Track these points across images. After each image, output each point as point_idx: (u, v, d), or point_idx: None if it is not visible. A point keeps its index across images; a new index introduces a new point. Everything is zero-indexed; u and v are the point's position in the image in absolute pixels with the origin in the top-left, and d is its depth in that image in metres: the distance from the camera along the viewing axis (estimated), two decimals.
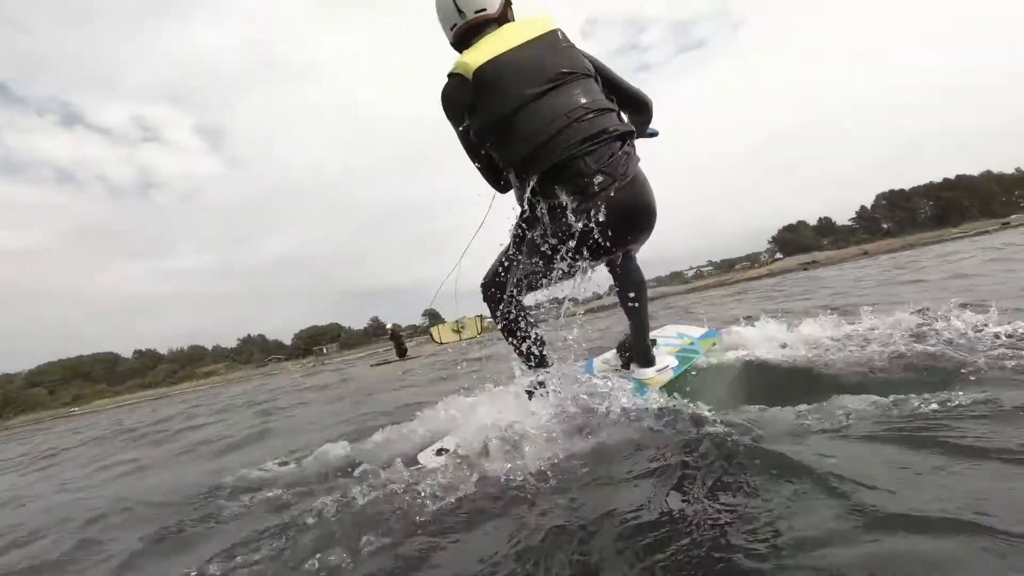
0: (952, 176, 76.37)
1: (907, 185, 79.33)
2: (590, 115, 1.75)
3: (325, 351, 78.84)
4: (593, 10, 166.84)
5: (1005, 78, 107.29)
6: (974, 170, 76.43)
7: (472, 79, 1.78)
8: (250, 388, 17.57)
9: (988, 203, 69.18)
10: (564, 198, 1.73)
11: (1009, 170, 74.25)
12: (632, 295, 2.16)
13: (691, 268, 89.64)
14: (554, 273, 1.90)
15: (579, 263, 1.83)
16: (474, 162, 1.99)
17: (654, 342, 2.41)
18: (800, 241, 78.33)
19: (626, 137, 1.81)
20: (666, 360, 2.37)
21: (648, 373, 2.27)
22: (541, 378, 1.97)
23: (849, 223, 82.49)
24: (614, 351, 2.57)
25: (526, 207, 1.85)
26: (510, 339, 2.13)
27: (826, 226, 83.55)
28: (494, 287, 2.12)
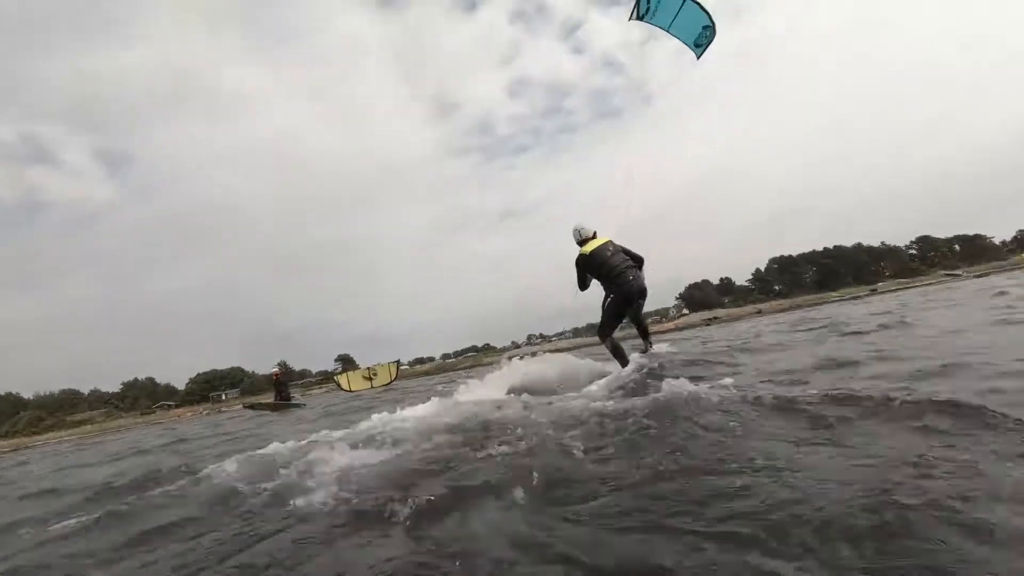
0: (831, 246, 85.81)
1: (795, 251, 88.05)
2: (627, 262, 5.96)
3: (224, 397, 72.98)
4: (521, 72, 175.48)
5: (873, 158, 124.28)
6: (848, 242, 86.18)
7: (589, 255, 6.02)
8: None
9: (860, 271, 78.19)
10: (620, 291, 5.88)
11: (876, 243, 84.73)
12: (644, 327, 6.54)
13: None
14: (620, 320, 6.07)
15: (626, 313, 6.08)
16: (582, 281, 6.16)
17: (643, 350, 6.39)
18: (704, 298, 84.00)
19: (637, 266, 6.04)
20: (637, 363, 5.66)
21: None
22: (626, 369, 5.38)
23: (746, 283, 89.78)
24: (637, 353, 6.18)
25: (609, 296, 5.98)
26: (615, 353, 5.82)
27: (727, 285, 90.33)
28: (608, 330, 5.98)
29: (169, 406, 71.15)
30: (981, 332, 5.49)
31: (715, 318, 34.12)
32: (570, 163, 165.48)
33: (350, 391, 17.45)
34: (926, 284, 38.10)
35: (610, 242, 6.08)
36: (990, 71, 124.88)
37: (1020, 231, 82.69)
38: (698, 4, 7.87)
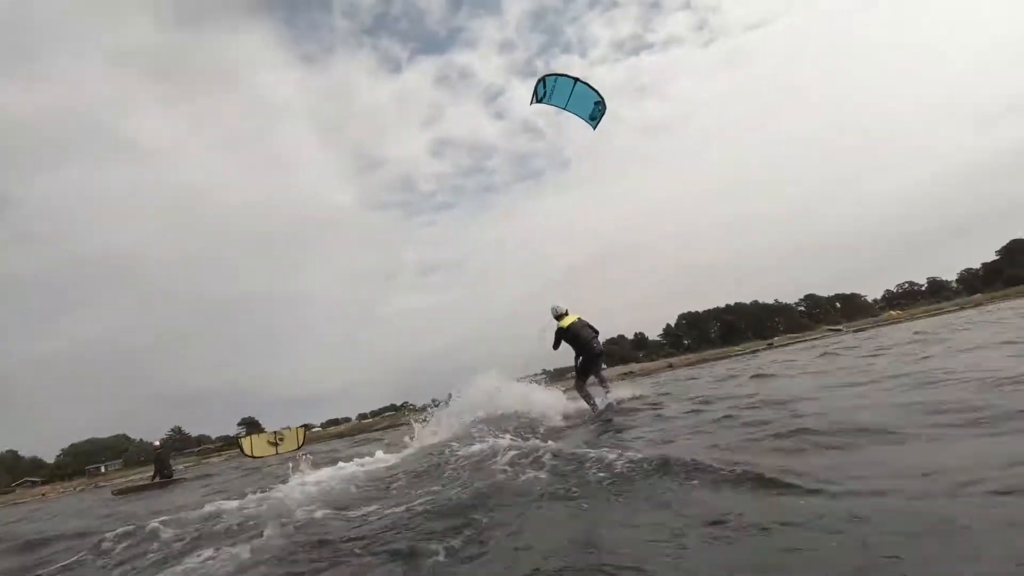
0: (732, 303, 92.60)
1: (701, 308, 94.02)
2: (593, 334, 8.51)
3: (104, 470, 64.88)
4: (443, 133, 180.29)
5: (768, 223, 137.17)
6: (747, 299, 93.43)
7: (566, 328, 8.41)
8: None
9: (758, 326, 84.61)
10: (588, 355, 8.36)
11: (771, 300, 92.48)
12: (602, 377, 8.60)
13: (525, 377, 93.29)
14: (588, 375, 8.45)
15: (592, 370, 8.42)
16: (556, 345, 8.50)
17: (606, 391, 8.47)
18: (621, 353, 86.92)
19: (597, 335, 8.58)
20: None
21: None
22: (595, 412, 7.86)
23: (658, 338, 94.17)
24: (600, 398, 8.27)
25: (579, 357, 8.42)
26: (586, 399, 8.32)
27: (641, 340, 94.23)
28: (581, 381, 8.47)
29: (33, 482, 62.08)
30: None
31: (630, 372, 35.30)
32: (492, 221, 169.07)
33: (253, 457, 16.39)
34: (813, 339, 41.81)
35: (579, 318, 8.60)
36: (876, 144, 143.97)
37: (887, 291, 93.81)
38: (587, 85, 9.04)
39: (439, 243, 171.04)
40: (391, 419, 64.36)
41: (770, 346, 47.21)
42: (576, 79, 9.22)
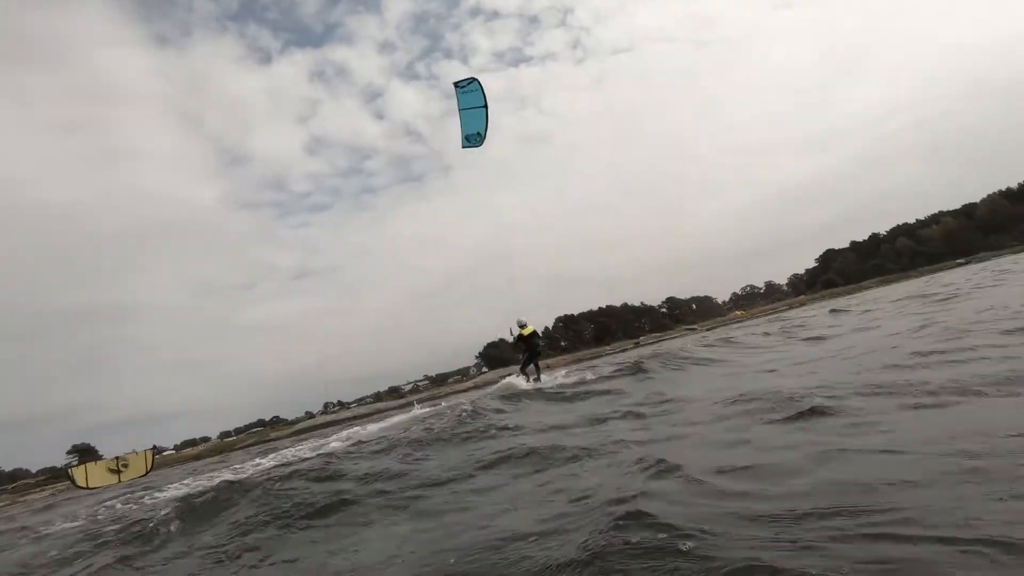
0: (604, 306, 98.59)
1: (576, 311, 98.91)
2: (540, 339, 14.68)
3: None
4: (319, 131, 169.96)
5: (636, 231, 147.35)
6: (617, 302, 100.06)
7: (527, 337, 14.13)
8: None
9: (627, 327, 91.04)
10: (533, 352, 14.22)
11: (638, 303, 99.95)
12: (537, 367, 14.40)
13: (408, 383, 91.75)
14: (528, 366, 14.20)
15: (532, 363, 14.24)
16: (516, 345, 14.52)
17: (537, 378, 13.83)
18: (501, 356, 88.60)
19: (541, 340, 14.90)
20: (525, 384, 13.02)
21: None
22: (528, 385, 12.58)
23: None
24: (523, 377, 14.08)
25: (527, 354, 14.17)
26: (527, 375, 14.05)
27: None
28: (523, 369, 14.27)
29: None
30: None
31: (508, 374, 36.25)
32: (370, 224, 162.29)
33: (88, 488, 14.23)
34: (673, 337, 45.94)
35: (535, 331, 14.20)
36: (711, 168, 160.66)
37: (734, 293, 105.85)
38: (486, 116, 11.06)
39: (313, 247, 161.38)
40: (259, 435, 59.44)
41: (637, 344, 51.04)
42: (485, 105, 11.04)
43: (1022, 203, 72.15)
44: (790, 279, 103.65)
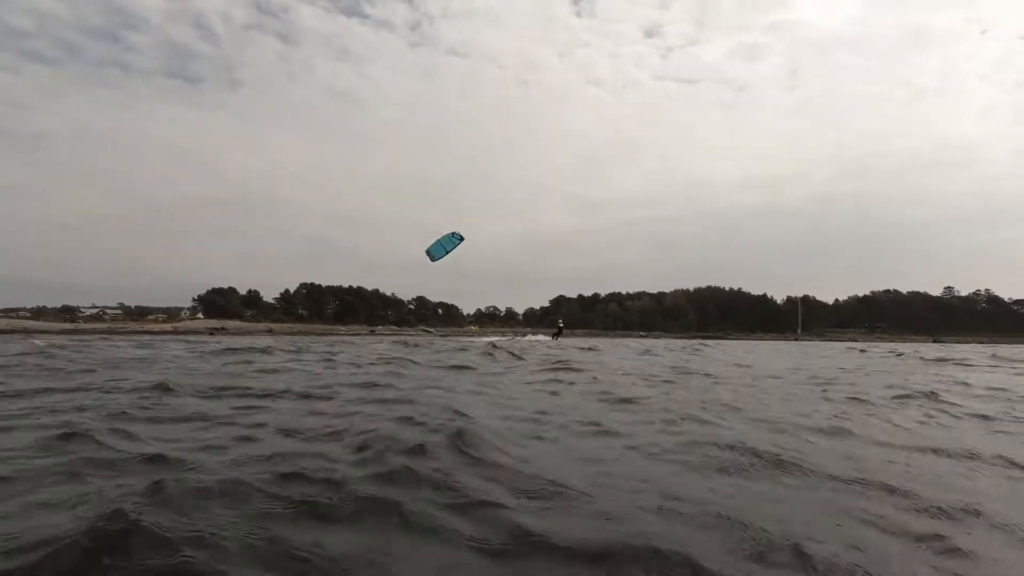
0: (355, 285, 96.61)
1: (325, 283, 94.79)
2: (563, 328, 41.76)
3: None
4: None
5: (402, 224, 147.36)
6: (370, 286, 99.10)
7: (561, 328, 42.14)
8: None
9: (371, 313, 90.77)
10: (560, 331, 41.31)
11: (389, 293, 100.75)
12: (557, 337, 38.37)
13: (93, 307, 75.71)
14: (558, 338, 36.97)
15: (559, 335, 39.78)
16: (557, 333, 39.46)
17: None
18: (228, 307, 79.42)
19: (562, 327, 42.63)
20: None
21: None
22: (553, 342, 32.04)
23: (272, 301, 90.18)
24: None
25: (559, 332, 40.70)
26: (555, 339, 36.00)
27: (253, 298, 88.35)
28: (556, 336, 37.50)
29: None
30: None
31: (222, 328, 32.88)
32: (109, 106, 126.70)
33: None
34: (409, 335, 47.58)
35: (562, 327, 41.32)
36: (502, 193, 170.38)
37: (478, 309, 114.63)
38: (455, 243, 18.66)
39: (16, 102, 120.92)
40: None
41: (372, 332, 51.42)
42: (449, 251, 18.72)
43: (694, 303, 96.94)
44: (526, 311, 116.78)
